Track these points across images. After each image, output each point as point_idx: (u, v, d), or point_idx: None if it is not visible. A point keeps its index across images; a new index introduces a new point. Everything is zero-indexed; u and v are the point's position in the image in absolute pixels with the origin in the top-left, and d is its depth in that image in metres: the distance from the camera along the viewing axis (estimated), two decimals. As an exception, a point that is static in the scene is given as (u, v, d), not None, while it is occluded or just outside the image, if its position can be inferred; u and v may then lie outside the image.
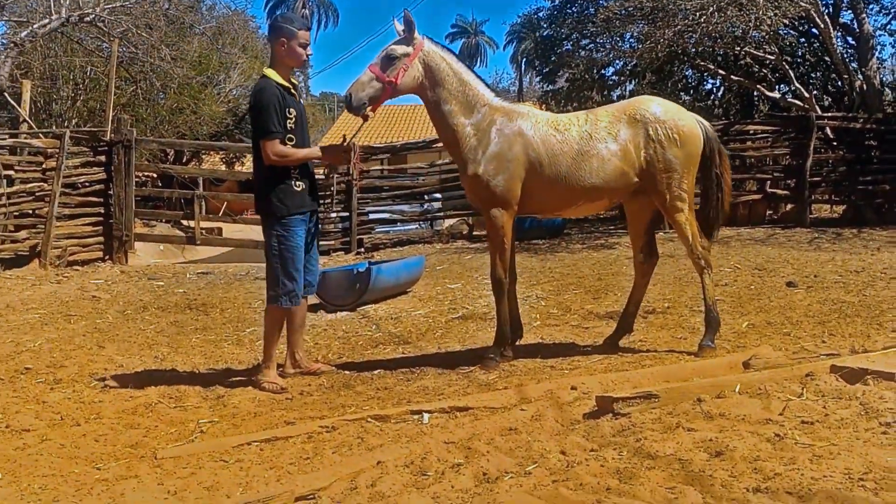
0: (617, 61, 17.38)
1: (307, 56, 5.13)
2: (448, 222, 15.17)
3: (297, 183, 4.98)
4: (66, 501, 3.30)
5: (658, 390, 3.57)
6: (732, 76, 16.25)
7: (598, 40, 16.90)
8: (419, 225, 14.92)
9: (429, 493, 2.95)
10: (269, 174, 4.92)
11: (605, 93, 18.27)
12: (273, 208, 4.92)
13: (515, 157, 4.97)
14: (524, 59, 18.99)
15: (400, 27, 5.11)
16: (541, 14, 18.00)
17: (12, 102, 16.00)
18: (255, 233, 12.26)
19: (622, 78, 18.12)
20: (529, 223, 13.65)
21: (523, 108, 5.28)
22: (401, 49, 5.05)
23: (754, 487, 2.63)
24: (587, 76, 17.46)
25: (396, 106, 36.89)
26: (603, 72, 17.95)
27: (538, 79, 21.27)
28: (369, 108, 5.05)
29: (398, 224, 14.42)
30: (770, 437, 2.99)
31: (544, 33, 17.58)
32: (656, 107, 5.11)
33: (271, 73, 4.98)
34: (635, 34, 15.65)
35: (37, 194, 11.44)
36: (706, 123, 5.25)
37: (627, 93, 18.43)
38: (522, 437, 3.44)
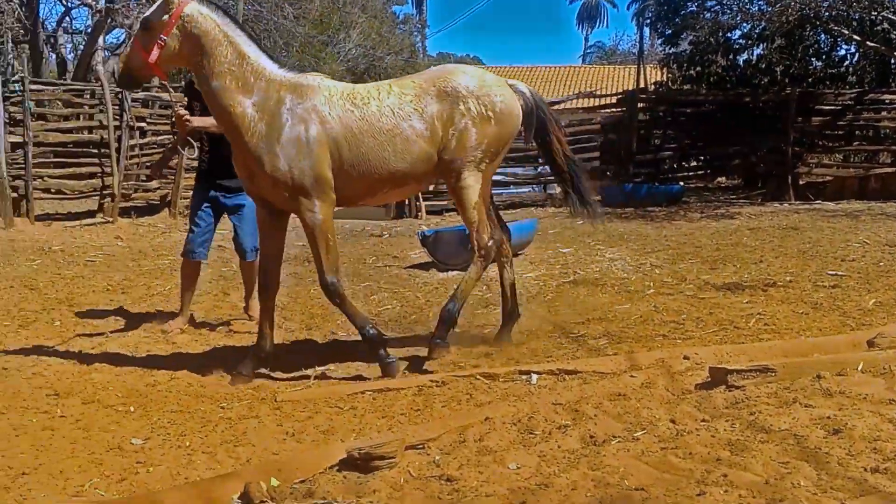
0: (744, 24, 16.62)
1: None
2: (561, 186, 15.02)
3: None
4: (193, 436, 3.52)
5: (775, 364, 3.48)
6: (868, 42, 15.31)
7: (724, 2, 16.21)
8: (532, 188, 14.85)
9: (535, 451, 3.00)
10: None
11: (731, 57, 17.58)
12: None
13: (316, 139, 4.24)
14: (646, 21, 18.36)
15: None
16: (665, -26, 17.37)
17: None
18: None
19: (749, 42, 17.35)
20: (646, 189, 13.39)
21: (313, 80, 4.43)
22: (155, 16, 4.19)
23: (872, 468, 2.56)
24: (711, 39, 16.80)
25: (511, 67, 36.60)
26: (728, 35, 17.22)
27: (660, 41, 20.60)
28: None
29: (511, 186, 14.39)
30: (893, 418, 2.89)
31: (667, -7, 16.99)
32: (469, 78, 4.50)
33: None
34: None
35: (167, 146, 11.99)
36: (529, 92, 4.72)
37: (755, 57, 17.67)
38: (631, 403, 3.43)
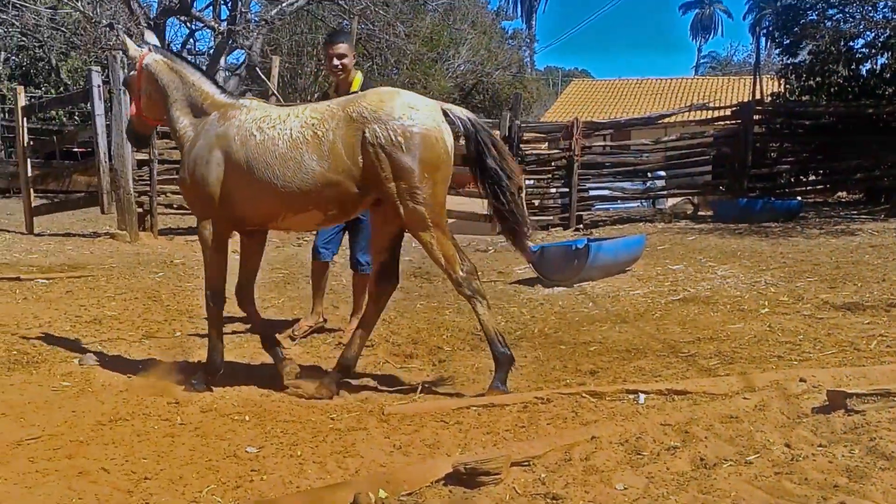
0: (867, 33, 15.95)
1: (337, 65, 5.50)
2: (671, 201, 14.74)
3: None
4: (304, 445, 3.62)
5: (899, 389, 3.32)
6: None
7: (846, 10, 15.61)
8: (641, 203, 14.63)
9: (643, 472, 2.95)
10: None
11: (853, 66, 16.85)
12: None
13: (212, 160, 4.38)
14: (763, 31, 17.82)
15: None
16: (783, -19, 16.88)
17: (262, 76, 17.36)
18: (477, 205, 12.58)
19: (873, 51, 16.58)
20: (761, 205, 12.97)
21: (245, 103, 4.58)
22: (130, 76, 4.90)
23: None
24: (833, 49, 16.18)
25: (621, 80, 36.18)
26: (851, 44, 16.54)
27: (777, 51, 19.97)
28: None
29: (619, 201, 14.22)
30: None
31: (786, 2, 16.46)
32: (379, 103, 4.20)
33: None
34: (890, 3, 14.29)
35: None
36: (464, 117, 4.33)
37: (878, 67, 16.88)
38: (744, 425, 3.33)
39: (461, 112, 4.40)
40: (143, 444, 3.63)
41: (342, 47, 5.58)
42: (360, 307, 5.62)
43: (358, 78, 5.61)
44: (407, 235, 4.53)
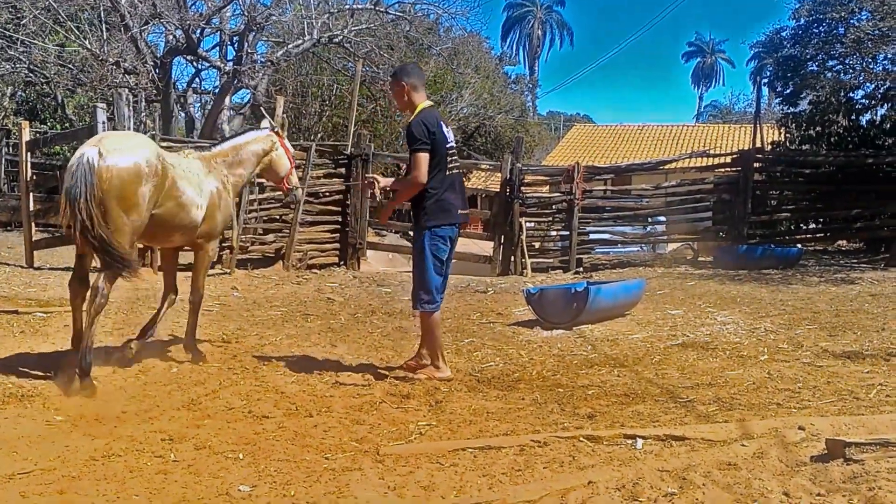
0: (867, 84, 16.13)
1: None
2: (672, 246, 14.78)
3: None
4: (297, 485, 3.59)
5: (898, 438, 3.30)
6: None
7: (846, 61, 15.80)
8: (641, 247, 14.68)
9: (640, 518, 2.92)
10: None
11: (853, 117, 17.02)
12: None
13: None
14: (764, 80, 18.01)
15: None
16: (783, 34, 17.07)
17: (267, 116, 17.51)
18: (478, 246, 12.63)
19: (872, 102, 16.76)
20: (761, 252, 13.00)
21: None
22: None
23: None
24: (833, 99, 16.36)
25: (622, 126, 36.51)
26: (851, 95, 16.74)
27: (778, 100, 20.16)
28: None
29: (619, 245, 14.26)
30: None
31: (786, 53, 16.66)
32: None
33: None
34: (890, 55, 14.47)
35: (283, 201, 12.47)
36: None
37: (878, 117, 17.04)
38: (742, 473, 3.31)
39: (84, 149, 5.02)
40: (135, 480, 3.59)
41: (391, 85, 5.96)
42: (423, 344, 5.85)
43: (419, 107, 5.65)
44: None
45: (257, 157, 6.21)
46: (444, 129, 5.59)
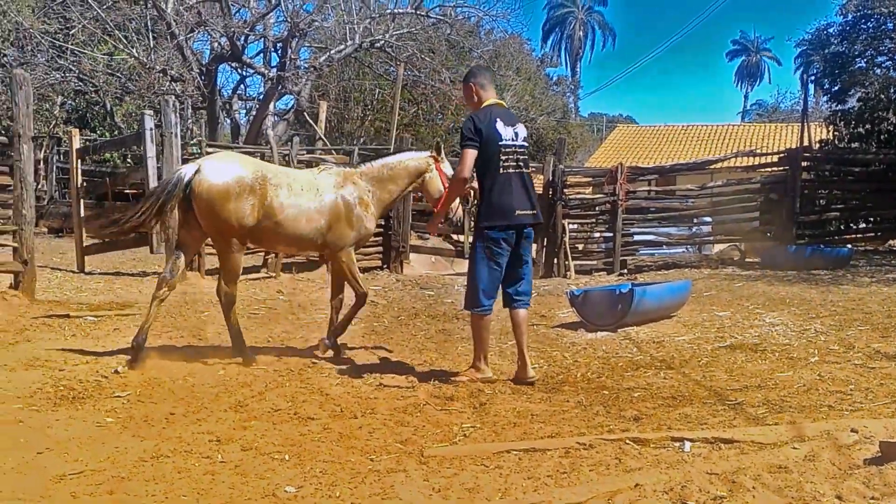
0: (918, 80, 15.77)
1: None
2: (718, 247, 14.56)
3: None
4: (342, 486, 3.60)
5: (956, 441, 3.20)
6: None
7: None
8: (686, 248, 14.48)
9: (689, 521, 2.87)
10: None
11: (904, 114, 16.64)
12: None
13: None
14: (811, 78, 17.65)
15: None
16: (831, 30, 16.75)
17: (310, 121, 17.74)
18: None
19: (923, 98, 16.38)
20: (810, 252, 12.76)
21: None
22: None
23: None
24: (882, 96, 16.01)
25: (666, 126, 36.11)
26: (902, 91, 16.37)
27: (825, 98, 19.78)
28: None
29: (664, 247, 14.09)
30: None
31: (834, 50, 16.34)
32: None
33: None
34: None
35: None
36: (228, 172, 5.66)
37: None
38: (793, 476, 3.24)
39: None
40: (183, 480, 3.63)
41: (463, 89, 5.96)
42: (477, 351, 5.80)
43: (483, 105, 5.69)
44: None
45: (409, 175, 6.38)
46: (501, 125, 5.48)
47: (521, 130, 5.64)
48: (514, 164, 5.51)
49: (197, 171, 5.65)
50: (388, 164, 6.37)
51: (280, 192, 5.85)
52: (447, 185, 6.19)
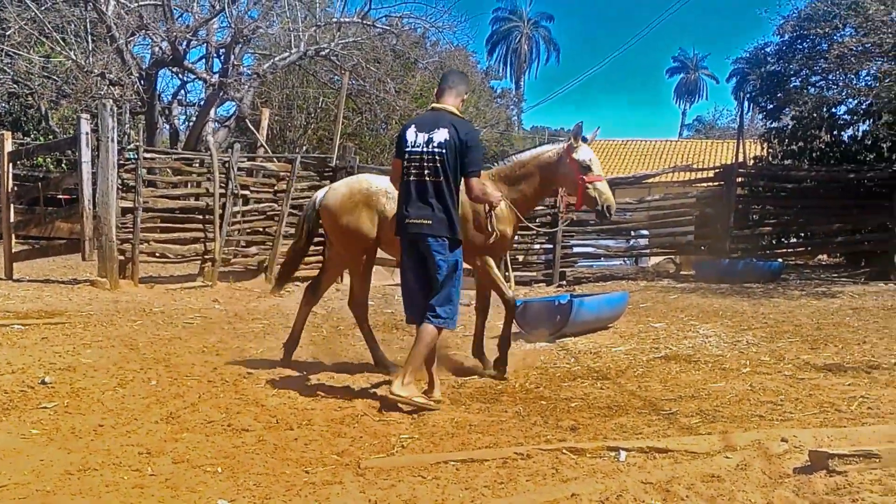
0: (850, 100, 16.28)
1: None
2: (654, 260, 14.83)
3: None
4: (277, 499, 3.54)
5: (880, 450, 3.29)
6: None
7: (829, 77, 15.97)
8: (624, 261, 14.72)
9: (622, 531, 2.90)
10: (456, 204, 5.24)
11: (835, 132, 17.17)
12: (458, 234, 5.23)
13: None
14: (747, 95, 18.09)
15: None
16: (768, 49, 17.20)
17: (252, 128, 17.52)
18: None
19: (854, 118, 16.91)
20: (743, 265, 13.07)
21: None
22: None
23: None
24: (815, 115, 16.50)
25: (606, 141, 36.64)
26: (833, 110, 16.89)
27: (761, 116, 20.31)
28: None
29: (602, 259, 14.30)
30: None
31: (770, 69, 16.79)
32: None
33: None
34: (872, 72, 14.64)
35: (267, 213, 12.43)
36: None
37: (860, 133, 17.21)
38: (726, 485, 3.29)
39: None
40: (111, 494, 3.53)
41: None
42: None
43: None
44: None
45: (541, 171, 6.23)
46: (412, 132, 5.19)
47: (439, 135, 5.11)
48: (417, 171, 5.12)
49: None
50: (522, 162, 6.27)
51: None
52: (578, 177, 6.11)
